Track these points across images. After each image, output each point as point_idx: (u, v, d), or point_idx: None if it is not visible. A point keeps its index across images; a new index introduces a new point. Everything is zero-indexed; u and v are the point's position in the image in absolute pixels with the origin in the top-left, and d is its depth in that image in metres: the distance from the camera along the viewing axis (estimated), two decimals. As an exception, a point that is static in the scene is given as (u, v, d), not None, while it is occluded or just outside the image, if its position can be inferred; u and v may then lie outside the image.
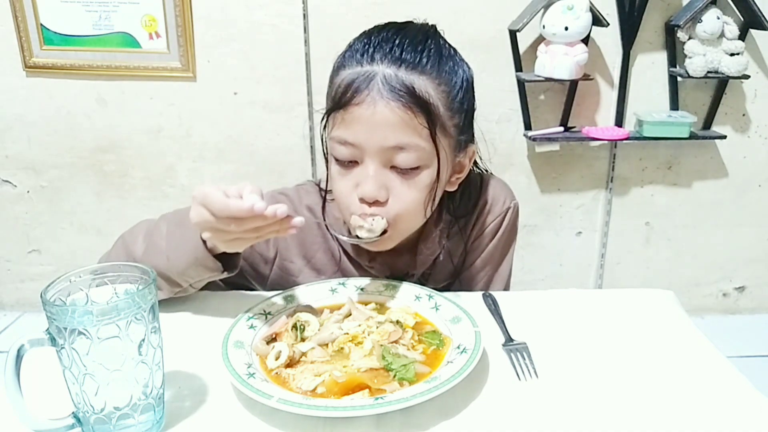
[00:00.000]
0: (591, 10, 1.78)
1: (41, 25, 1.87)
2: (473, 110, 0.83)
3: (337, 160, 0.78)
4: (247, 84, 1.95)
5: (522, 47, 1.91)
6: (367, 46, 0.76)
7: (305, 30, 1.88)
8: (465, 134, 0.82)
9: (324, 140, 0.81)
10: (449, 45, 0.80)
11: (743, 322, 2.25)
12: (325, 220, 0.89)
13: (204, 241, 0.73)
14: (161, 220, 0.79)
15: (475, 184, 0.92)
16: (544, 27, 1.81)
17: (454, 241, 0.91)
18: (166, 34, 1.88)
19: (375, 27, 0.80)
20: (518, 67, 1.92)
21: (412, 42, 0.75)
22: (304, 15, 1.87)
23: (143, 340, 0.54)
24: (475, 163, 0.90)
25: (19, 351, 0.51)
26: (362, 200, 0.76)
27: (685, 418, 0.60)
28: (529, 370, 0.67)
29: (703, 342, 0.74)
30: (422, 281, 0.91)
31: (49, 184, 2.08)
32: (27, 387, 0.52)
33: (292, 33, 1.89)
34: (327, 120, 0.79)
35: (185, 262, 0.74)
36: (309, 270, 0.90)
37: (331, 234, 0.89)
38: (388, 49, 0.74)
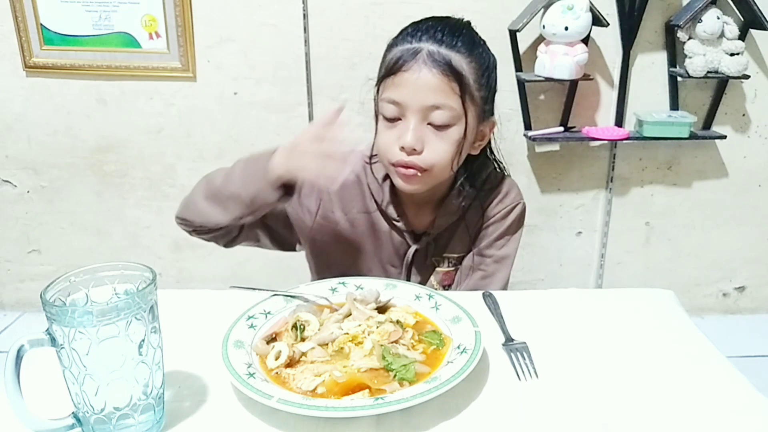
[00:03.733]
0: (591, 10, 1.78)
1: (41, 25, 1.87)
2: (495, 90, 0.99)
3: (384, 117, 0.95)
4: (247, 84, 1.95)
5: (522, 47, 1.91)
6: (415, 30, 0.94)
7: (305, 30, 1.88)
8: (488, 105, 0.98)
9: (376, 103, 0.99)
10: (480, 37, 0.98)
11: (743, 322, 2.25)
12: (367, 178, 1.06)
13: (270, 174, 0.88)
14: (238, 162, 0.94)
15: (496, 176, 1.08)
16: (544, 27, 1.81)
17: (472, 214, 1.06)
18: (166, 34, 1.88)
19: (422, 18, 0.97)
20: (518, 67, 1.92)
21: (452, 30, 0.93)
22: (304, 15, 1.87)
23: (143, 340, 0.54)
24: (497, 162, 1.09)
25: (19, 351, 0.51)
26: (402, 149, 0.92)
27: (685, 418, 0.60)
28: (529, 370, 0.67)
29: (703, 342, 0.74)
30: (442, 248, 1.06)
31: (49, 184, 2.08)
32: (27, 387, 0.52)
33: (292, 33, 1.89)
34: (379, 87, 0.96)
35: (256, 187, 0.88)
36: (345, 222, 1.05)
37: (371, 191, 1.05)
38: (432, 33, 0.92)
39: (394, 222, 1.04)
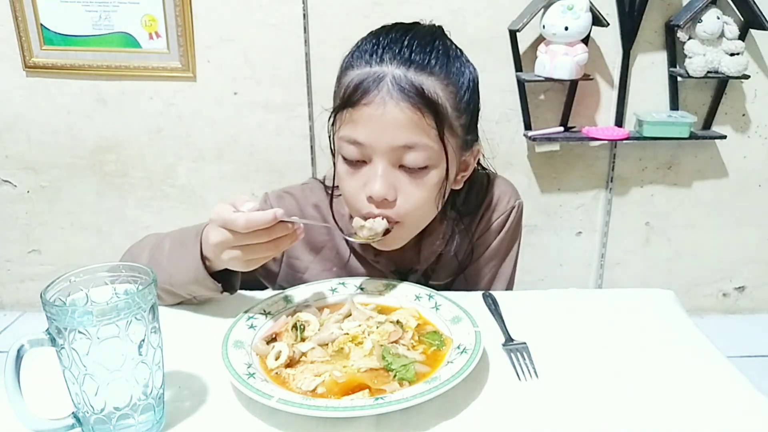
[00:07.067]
0: (591, 10, 1.78)
1: (41, 25, 1.87)
2: (478, 110, 0.84)
3: (345, 159, 0.78)
4: (247, 84, 1.95)
5: (522, 47, 1.91)
6: (376, 47, 0.76)
7: (305, 30, 1.88)
8: (471, 134, 0.83)
9: (331, 138, 0.82)
10: (456, 46, 0.81)
11: (743, 322, 2.25)
12: (334, 216, 0.90)
13: (204, 262, 0.73)
14: (166, 238, 0.79)
15: (482, 182, 0.93)
16: (544, 27, 1.81)
17: (459, 238, 0.91)
18: (166, 34, 1.88)
19: (383, 27, 0.80)
20: (518, 67, 1.92)
21: (421, 43, 0.75)
22: (304, 15, 1.87)
23: (143, 340, 0.54)
24: (479, 163, 0.91)
25: (19, 351, 0.51)
26: (370, 199, 0.77)
27: (685, 418, 0.60)
28: (529, 370, 0.67)
29: (703, 342, 0.74)
30: (426, 277, 0.92)
31: (49, 184, 2.08)
32: (27, 387, 0.52)
33: (292, 33, 1.89)
34: (335, 118, 0.79)
35: (186, 281, 0.75)
36: (315, 265, 0.91)
37: (341, 230, 0.89)
38: (397, 50, 0.74)
39: (372, 263, 0.89)
